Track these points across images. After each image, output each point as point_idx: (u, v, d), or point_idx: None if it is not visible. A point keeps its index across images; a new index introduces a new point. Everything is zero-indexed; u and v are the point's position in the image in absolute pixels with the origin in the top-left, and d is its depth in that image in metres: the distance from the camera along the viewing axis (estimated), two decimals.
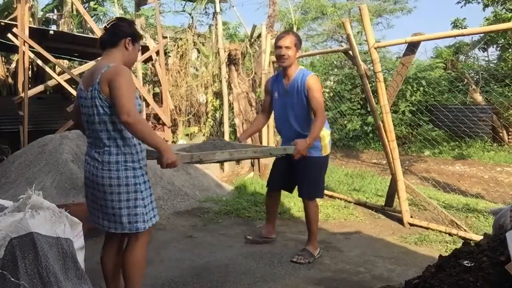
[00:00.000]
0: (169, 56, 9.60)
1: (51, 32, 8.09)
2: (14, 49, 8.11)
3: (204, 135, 9.11)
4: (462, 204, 4.81)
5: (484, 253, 1.76)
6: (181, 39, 9.74)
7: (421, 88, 10.92)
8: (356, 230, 4.10)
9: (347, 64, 13.62)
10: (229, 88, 7.70)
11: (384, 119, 4.14)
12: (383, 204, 4.68)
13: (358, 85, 11.52)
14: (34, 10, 12.74)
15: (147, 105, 8.36)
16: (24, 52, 6.97)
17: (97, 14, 15.07)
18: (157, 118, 9.08)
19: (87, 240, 2.40)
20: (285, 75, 3.33)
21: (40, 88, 7.69)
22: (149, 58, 8.93)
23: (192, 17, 10.03)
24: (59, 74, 7.98)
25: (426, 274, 1.97)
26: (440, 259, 1.99)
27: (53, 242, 1.85)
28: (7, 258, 1.71)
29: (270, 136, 6.20)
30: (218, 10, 8.08)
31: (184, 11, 10.89)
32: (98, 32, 7.37)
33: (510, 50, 11.24)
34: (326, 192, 4.97)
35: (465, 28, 12.19)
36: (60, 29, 12.26)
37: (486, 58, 13.87)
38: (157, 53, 8.48)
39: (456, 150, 9.46)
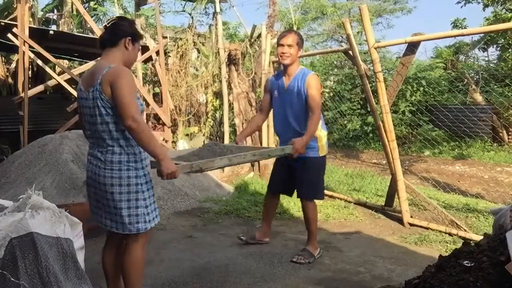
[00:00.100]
0: (169, 56, 9.58)
1: (51, 32, 8.10)
2: (14, 49, 8.11)
3: (204, 135, 9.10)
4: (462, 204, 4.81)
5: (484, 253, 1.76)
6: (181, 39, 9.73)
7: (421, 88, 10.92)
8: (356, 230, 4.10)
9: (347, 64, 13.62)
10: (229, 88, 7.70)
11: (384, 119, 4.14)
12: (383, 204, 4.68)
13: (358, 85, 11.53)
14: (34, 10, 12.75)
15: (147, 105, 8.36)
16: (24, 52, 6.98)
17: (97, 14, 15.06)
18: (157, 118, 9.08)
19: (87, 240, 2.39)
20: (286, 73, 3.33)
21: (40, 88, 7.69)
22: (149, 58, 8.93)
23: (192, 17, 10.03)
24: (59, 74, 7.99)
25: (426, 274, 1.97)
26: (440, 259, 1.99)
27: (53, 242, 1.85)
28: (7, 258, 1.71)
29: (270, 136, 6.19)
30: (218, 10, 8.09)
31: (184, 11, 10.88)
32: (98, 32, 7.36)
33: (510, 50, 11.24)
34: (326, 192, 4.96)
35: (465, 28, 12.18)
36: (60, 29, 12.25)
37: (486, 58, 13.91)
38: (157, 53, 8.48)
39: (456, 150, 9.46)
